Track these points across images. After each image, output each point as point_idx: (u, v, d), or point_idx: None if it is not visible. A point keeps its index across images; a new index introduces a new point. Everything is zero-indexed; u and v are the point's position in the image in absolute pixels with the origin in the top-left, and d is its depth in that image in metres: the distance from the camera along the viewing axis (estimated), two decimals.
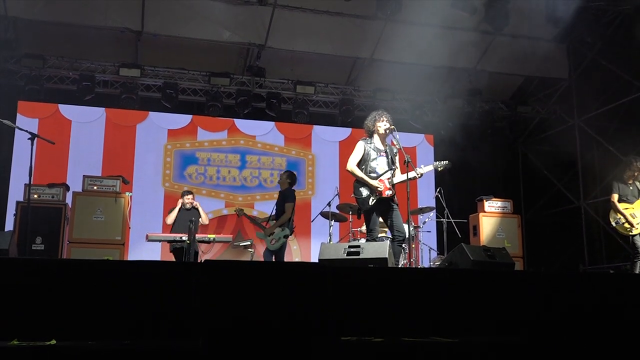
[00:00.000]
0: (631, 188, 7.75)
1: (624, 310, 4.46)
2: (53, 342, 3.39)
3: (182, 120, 11.66)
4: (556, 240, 12.20)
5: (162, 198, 11.00)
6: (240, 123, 11.92)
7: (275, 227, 8.40)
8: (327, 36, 10.98)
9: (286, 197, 8.55)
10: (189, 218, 8.57)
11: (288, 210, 8.45)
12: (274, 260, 8.47)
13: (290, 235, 8.60)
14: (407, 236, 6.30)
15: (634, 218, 7.56)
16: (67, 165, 10.76)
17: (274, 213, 8.65)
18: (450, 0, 9.87)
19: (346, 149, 10.57)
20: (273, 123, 12.03)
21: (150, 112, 11.45)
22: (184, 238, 7.98)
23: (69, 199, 8.84)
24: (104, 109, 11.20)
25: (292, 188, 8.72)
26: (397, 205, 6.23)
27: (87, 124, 11.12)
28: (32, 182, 6.77)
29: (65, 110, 11.05)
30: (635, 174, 7.76)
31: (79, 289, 3.71)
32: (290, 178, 8.71)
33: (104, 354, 3.29)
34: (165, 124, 11.57)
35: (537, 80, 12.51)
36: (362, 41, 11.19)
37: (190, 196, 9.41)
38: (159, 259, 10.18)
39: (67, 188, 8.92)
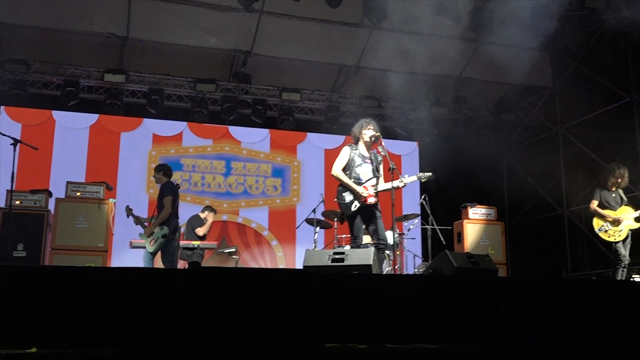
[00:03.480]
0: (614, 195, 7.82)
1: (606, 316, 4.49)
2: (34, 350, 3.35)
3: (176, 127, 11.67)
4: (539, 247, 12.28)
5: (146, 204, 10.92)
6: (234, 130, 11.93)
7: (155, 226, 7.72)
8: (313, 43, 11.00)
9: (164, 191, 7.86)
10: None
11: (167, 204, 7.72)
12: (153, 264, 7.77)
13: (174, 234, 7.81)
14: (389, 243, 6.29)
15: (617, 225, 7.62)
16: (50, 171, 10.68)
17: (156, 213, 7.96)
18: (435, 8, 9.93)
19: (332, 156, 10.59)
20: (267, 130, 12.05)
21: (144, 119, 11.43)
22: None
23: (51, 206, 8.77)
24: (97, 115, 11.16)
25: (171, 180, 8.06)
26: (380, 212, 6.25)
27: (71, 130, 11.05)
28: (14, 188, 6.72)
29: (58, 116, 11.02)
30: (619, 181, 7.83)
31: (60, 296, 3.67)
32: (162, 169, 8.03)
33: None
34: (158, 131, 11.56)
35: (521, 88, 12.60)
36: (348, 48, 11.23)
37: (212, 213, 9.87)
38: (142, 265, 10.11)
39: (50, 194, 8.85)
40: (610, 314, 4.51)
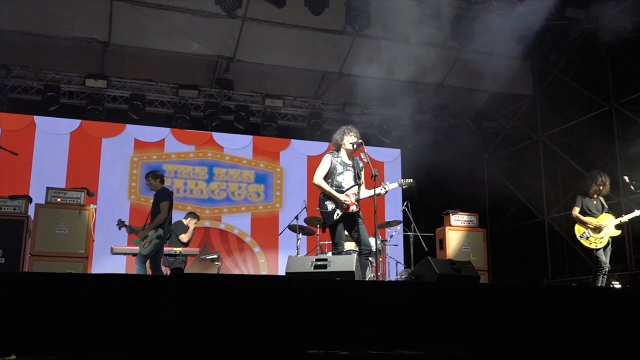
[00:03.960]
0: (595, 202, 7.87)
1: (587, 322, 4.53)
2: (13, 357, 3.31)
3: (159, 133, 11.63)
4: (521, 254, 12.37)
5: (127, 210, 10.86)
6: (218, 137, 11.92)
7: (150, 230, 7.68)
8: (296, 50, 11.02)
9: (160, 197, 7.88)
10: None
11: (164, 209, 7.75)
12: (148, 267, 7.74)
13: (167, 238, 7.88)
14: (373, 249, 6.29)
15: (598, 232, 7.68)
16: (30, 176, 10.57)
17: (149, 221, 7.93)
18: (418, 17, 9.98)
19: (315, 162, 10.60)
20: (251, 137, 12.03)
21: (127, 125, 11.37)
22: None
23: (31, 211, 8.67)
24: (79, 121, 11.08)
25: (167, 187, 8.12)
26: (362, 219, 6.25)
27: (51, 135, 10.95)
28: None
29: (40, 122, 10.93)
30: (600, 188, 7.88)
31: (40, 303, 3.63)
32: (158, 177, 8.07)
33: None
34: (141, 136, 11.50)
35: (503, 96, 12.72)
36: (331, 55, 11.26)
37: (195, 220, 9.89)
38: (123, 272, 10.03)
39: (30, 200, 8.75)
40: (591, 319, 4.55)
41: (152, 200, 8.04)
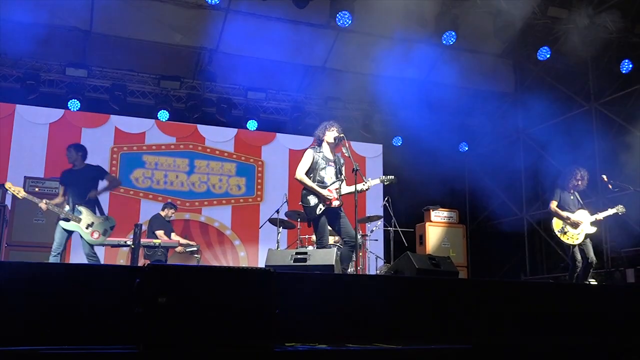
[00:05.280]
0: (572, 198, 7.93)
1: (561, 316, 4.58)
2: None
3: (144, 124, 11.54)
4: (499, 251, 12.46)
5: (107, 201, 10.74)
6: (202, 129, 11.87)
7: (97, 216, 7.05)
8: (279, 43, 10.96)
9: (100, 172, 7.42)
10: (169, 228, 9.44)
11: (115, 179, 7.49)
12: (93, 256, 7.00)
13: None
14: (357, 241, 6.30)
15: (575, 228, 7.73)
16: (8, 165, 10.43)
17: (70, 196, 7.14)
18: (402, 12, 10.00)
19: (297, 156, 10.58)
20: (236, 130, 11.99)
21: (111, 116, 11.27)
22: (128, 242, 7.78)
23: (8, 201, 8.56)
24: (63, 110, 10.95)
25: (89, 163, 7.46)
26: (344, 213, 6.26)
27: (30, 123, 10.81)
28: None
29: (21, 110, 10.79)
30: (579, 183, 7.93)
31: (16, 292, 3.59)
32: (81, 151, 7.43)
33: (38, 358, 3.19)
34: (124, 127, 11.41)
35: (484, 93, 12.78)
36: (314, 49, 11.22)
37: (173, 210, 9.78)
38: (102, 262, 9.94)
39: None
40: (568, 315, 4.61)
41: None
